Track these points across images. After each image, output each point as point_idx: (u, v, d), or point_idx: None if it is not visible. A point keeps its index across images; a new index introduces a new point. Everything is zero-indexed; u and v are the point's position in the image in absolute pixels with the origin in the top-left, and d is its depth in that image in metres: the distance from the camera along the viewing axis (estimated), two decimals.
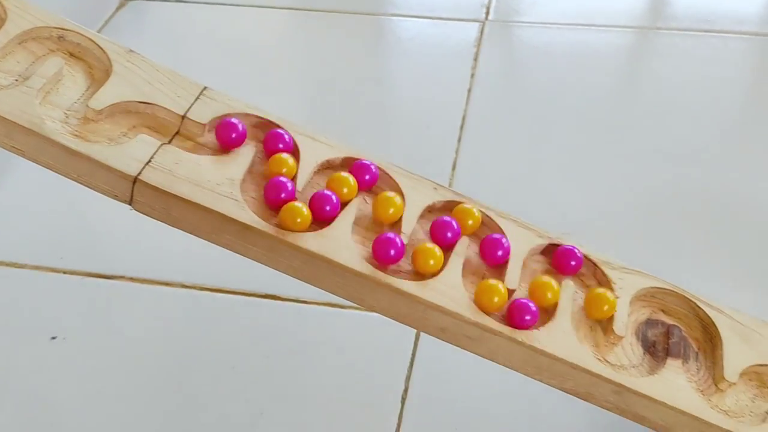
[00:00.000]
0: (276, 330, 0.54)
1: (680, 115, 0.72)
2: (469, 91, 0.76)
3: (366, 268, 0.37)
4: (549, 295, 0.38)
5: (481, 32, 0.83)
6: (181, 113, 0.40)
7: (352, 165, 0.41)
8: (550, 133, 0.71)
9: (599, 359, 0.38)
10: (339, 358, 0.52)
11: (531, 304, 0.37)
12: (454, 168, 0.67)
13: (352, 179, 0.40)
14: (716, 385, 0.39)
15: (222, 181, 0.38)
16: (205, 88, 0.42)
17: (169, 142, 0.39)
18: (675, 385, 0.37)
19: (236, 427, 0.48)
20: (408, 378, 0.50)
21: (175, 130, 0.40)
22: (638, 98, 0.75)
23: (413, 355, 0.51)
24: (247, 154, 0.40)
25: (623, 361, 0.38)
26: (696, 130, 0.70)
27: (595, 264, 0.41)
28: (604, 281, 0.41)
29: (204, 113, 0.41)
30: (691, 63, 0.77)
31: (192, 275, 0.58)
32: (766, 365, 0.39)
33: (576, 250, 0.40)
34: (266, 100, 0.45)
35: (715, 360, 0.39)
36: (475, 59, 0.80)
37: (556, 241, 0.41)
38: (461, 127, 0.72)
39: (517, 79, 0.79)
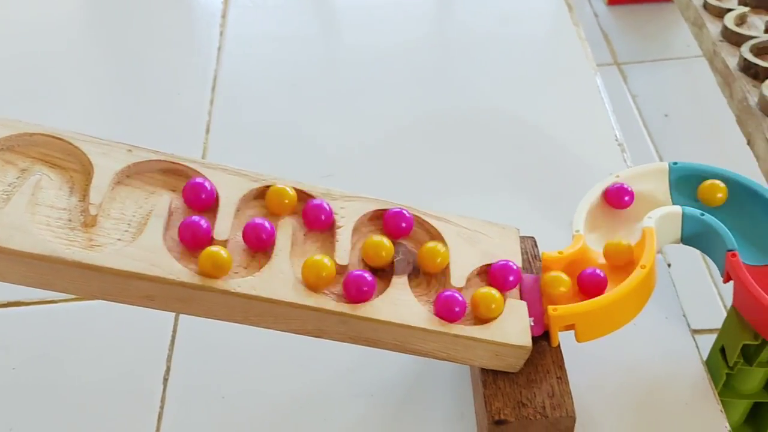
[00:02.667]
0: (23, 338, 0.49)
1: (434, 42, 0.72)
2: (219, 50, 0.73)
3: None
4: (263, 236, 0.37)
5: None
6: None
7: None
8: (307, 78, 0.69)
9: (323, 293, 0.36)
10: (94, 353, 0.48)
11: (223, 253, 0.35)
12: (208, 131, 0.64)
13: None
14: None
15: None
16: None
17: None
18: (400, 302, 0.37)
19: None
20: (169, 358, 0.47)
21: None
22: (396, 32, 0.75)
23: (174, 334, 0.48)
24: None
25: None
26: (454, 57, 0.71)
27: (310, 195, 0.40)
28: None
29: None
30: None
31: None
32: (489, 264, 0.40)
33: (324, 205, 0.39)
34: None
35: (446, 270, 0.40)
36: (224, 16, 0.77)
37: (269, 183, 0.40)
38: (213, 89, 0.68)
39: (269, 29, 0.76)
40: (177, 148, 0.65)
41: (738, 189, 0.45)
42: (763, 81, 0.62)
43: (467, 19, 0.75)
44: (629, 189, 0.45)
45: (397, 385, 0.45)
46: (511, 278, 0.38)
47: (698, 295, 0.50)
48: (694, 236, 0.45)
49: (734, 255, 0.42)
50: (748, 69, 0.64)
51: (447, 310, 0.37)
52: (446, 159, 0.60)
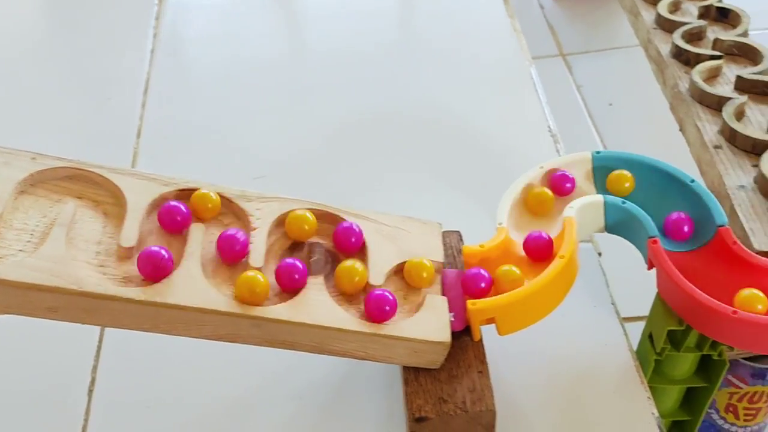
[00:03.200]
0: None
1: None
2: (152, 52, 0.72)
3: None
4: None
5: None
6: None
7: None
8: (242, 80, 0.68)
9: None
10: (18, 366, 0.47)
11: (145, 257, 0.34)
12: (139, 136, 0.63)
13: None
14: (365, 292, 0.38)
15: None
16: None
17: None
18: (316, 302, 0.36)
19: None
20: (94, 369, 0.46)
21: None
22: (319, 38, 0.74)
23: (99, 344, 0.47)
24: None
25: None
26: (386, 54, 0.70)
27: (229, 200, 0.39)
28: (242, 215, 0.39)
29: None
30: None
31: None
32: (411, 260, 0.40)
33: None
34: None
35: (366, 267, 0.39)
36: (158, 18, 0.76)
37: (184, 187, 0.39)
38: (145, 92, 0.67)
39: (204, 31, 0.75)
40: (106, 153, 0.64)
41: (660, 177, 0.45)
42: (693, 67, 0.63)
43: (400, 14, 0.75)
44: (570, 176, 0.45)
45: (327, 387, 0.44)
46: (424, 275, 0.38)
47: (631, 282, 0.50)
48: (617, 224, 0.45)
49: (655, 242, 0.42)
50: (680, 55, 0.64)
51: (378, 310, 0.36)
52: (381, 156, 0.59)
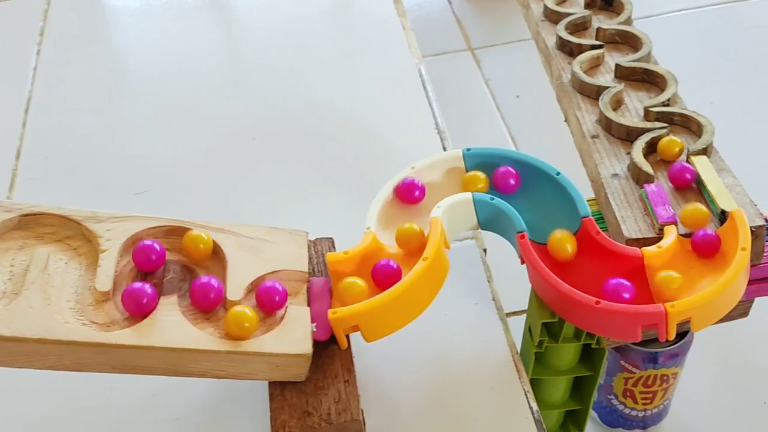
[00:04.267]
0: None
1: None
2: (35, 69, 0.69)
3: None
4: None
5: None
6: None
7: None
8: (124, 95, 0.66)
9: (85, 323, 0.34)
10: None
11: None
12: (18, 157, 0.61)
13: None
14: (224, 308, 0.38)
15: None
16: None
17: None
18: (167, 324, 0.35)
19: None
20: None
21: None
22: (214, 43, 0.73)
23: None
24: None
25: (115, 317, 0.36)
26: (276, 56, 0.69)
27: (78, 222, 0.38)
28: (91, 237, 0.38)
29: None
30: None
31: None
32: (272, 273, 0.39)
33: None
34: None
35: (224, 282, 0.38)
36: (41, 34, 0.73)
37: (25, 212, 0.37)
38: (26, 111, 0.65)
39: (87, 48, 0.73)
40: None
41: (530, 171, 0.45)
42: (576, 57, 0.64)
43: (285, 15, 0.73)
44: (419, 184, 0.45)
45: (204, 407, 0.43)
46: (277, 299, 0.37)
47: (519, 277, 0.50)
48: (489, 221, 0.45)
49: (523, 236, 0.42)
50: (564, 47, 0.65)
51: (237, 328, 0.36)
52: (269, 164, 0.58)
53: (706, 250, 0.41)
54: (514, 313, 0.55)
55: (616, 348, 0.61)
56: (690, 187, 0.47)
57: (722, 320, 0.55)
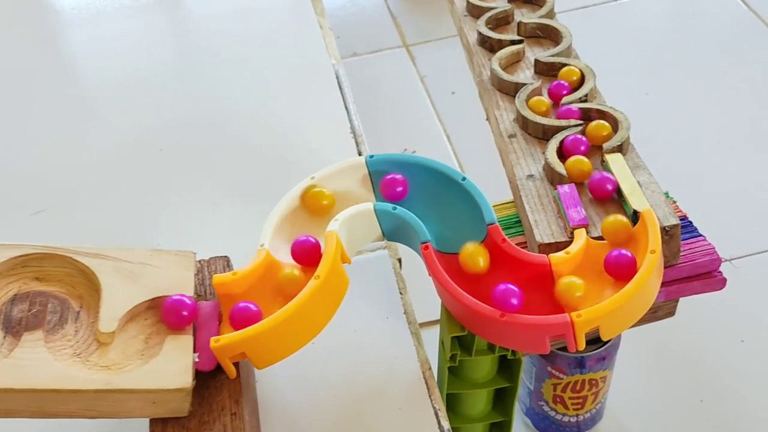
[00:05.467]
0: None
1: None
2: None
3: None
4: None
5: None
6: None
7: None
8: (23, 100, 0.62)
9: None
10: None
11: None
12: None
13: None
14: (98, 341, 0.35)
15: None
16: None
17: None
18: (26, 362, 0.32)
19: None
20: None
21: None
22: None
23: None
24: None
25: None
26: (189, 63, 0.66)
27: None
28: None
29: None
30: None
31: None
32: (159, 297, 0.37)
33: None
34: None
35: (97, 313, 0.36)
36: None
37: None
38: None
39: None
40: None
41: (436, 177, 0.43)
42: (495, 54, 0.61)
43: (201, 13, 0.70)
44: (327, 192, 0.42)
45: None
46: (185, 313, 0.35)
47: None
48: (394, 231, 0.42)
49: (426, 247, 0.40)
50: (484, 42, 0.63)
51: (113, 364, 0.33)
52: (176, 177, 0.55)
53: (620, 273, 0.38)
54: (434, 323, 0.53)
55: (542, 354, 0.59)
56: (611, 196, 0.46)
57: (648, 321, 0.54)
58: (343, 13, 1.08)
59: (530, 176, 0.48)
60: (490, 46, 0.61)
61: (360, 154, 0.56)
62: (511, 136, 0.52)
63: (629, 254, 0.39)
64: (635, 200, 0.42)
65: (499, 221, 0.45)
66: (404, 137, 0.88)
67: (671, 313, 0.53)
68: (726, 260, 0.45)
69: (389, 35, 1.04)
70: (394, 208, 0.41)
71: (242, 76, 0.62)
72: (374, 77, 0.97)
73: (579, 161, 0.46)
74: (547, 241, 0.43)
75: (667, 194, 0.49)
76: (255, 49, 0.65)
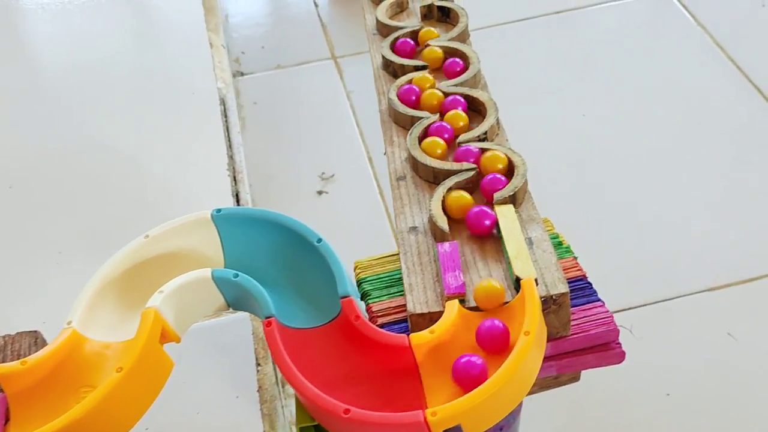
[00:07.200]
0: None
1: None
2: None
3: None
4: None
5: None
6: None
7: None
8: None
9: None
10: None
11: None
12: None
13: None
14: None
15: None
16: None
17: None
18: None
19: None
20: None
21: None
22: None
23: None
24: None
25: None
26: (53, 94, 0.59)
27: None
28: None
29: None
30: None
31: None
32: None
33: None
34: None
35: None
36: None
37: None
38: None
39: None
40: None
41: (290, 237, 0.37)
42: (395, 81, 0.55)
43: (80, 30, 0.63)
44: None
45: None
46: None
47: None
48: (238, 300, 0.36)
49: (269, 324, 0.34)
50: (387, 67, 0.57)
51: None
52: (23, 219, 0.49)
53: (491, 347, 0.33)
54: None
55: None
56: (491, 236, 0.40)
57: (551, 386, 0.49)
58: (271, 20, 1.01)
59: (413, 229, 0.42)
60: (393, 71, 0.56)
61: (237, 195, 0.50)
62: (399, 179, 0.46)
63: (501, 325, 0.33)
64: (519, 265, 0.37)
65: (382, 277, 0.40)
66: (324, 158, 0.82)
67: (575, 378, 0.48)
68: (625, 328, 0.40)
69: (318, 46, 0.98)
70: (236, 276, 0.35)
71: (114, 103, 0.56)
72: (298, 91, 0.91)
73: (460, 196, 0.40)
74: (419, 311, 0.37)
75: (567, 248, 0.43)
76: (133, 69, 0.59)
